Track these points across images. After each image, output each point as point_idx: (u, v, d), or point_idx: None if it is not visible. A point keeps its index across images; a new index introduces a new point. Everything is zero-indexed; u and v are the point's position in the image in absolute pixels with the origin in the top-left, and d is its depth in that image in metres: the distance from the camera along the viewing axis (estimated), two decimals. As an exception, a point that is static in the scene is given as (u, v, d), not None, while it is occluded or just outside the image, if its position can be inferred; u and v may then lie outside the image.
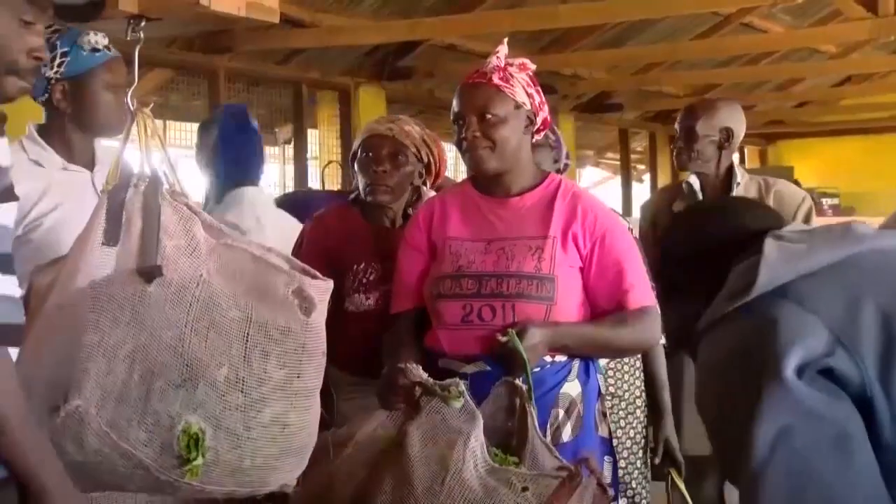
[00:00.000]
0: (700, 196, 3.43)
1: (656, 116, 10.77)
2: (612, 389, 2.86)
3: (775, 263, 1.60)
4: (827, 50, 9.33)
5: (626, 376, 2.90)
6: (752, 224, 1.73)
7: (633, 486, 2.91)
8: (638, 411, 2.92)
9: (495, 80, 2.45)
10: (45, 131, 2.57)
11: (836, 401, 1.47)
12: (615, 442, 2.71)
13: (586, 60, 7.80)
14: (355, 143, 2.97)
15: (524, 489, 2.10)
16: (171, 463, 1.82)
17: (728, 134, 3.41)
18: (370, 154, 2.85)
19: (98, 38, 2.54)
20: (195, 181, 3.50)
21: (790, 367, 1.47)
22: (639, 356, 3.01)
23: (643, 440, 2.98)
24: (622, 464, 2.85)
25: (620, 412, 2.87)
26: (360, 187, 2.90)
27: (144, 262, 1.87)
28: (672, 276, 1.83)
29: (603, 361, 2.84)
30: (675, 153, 3.50)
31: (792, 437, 1.44)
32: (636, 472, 2.91)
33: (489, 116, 2.43)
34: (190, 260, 1.89)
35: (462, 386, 2.26)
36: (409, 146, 2.86)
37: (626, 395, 2.88)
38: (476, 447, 2.17)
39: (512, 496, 2.09)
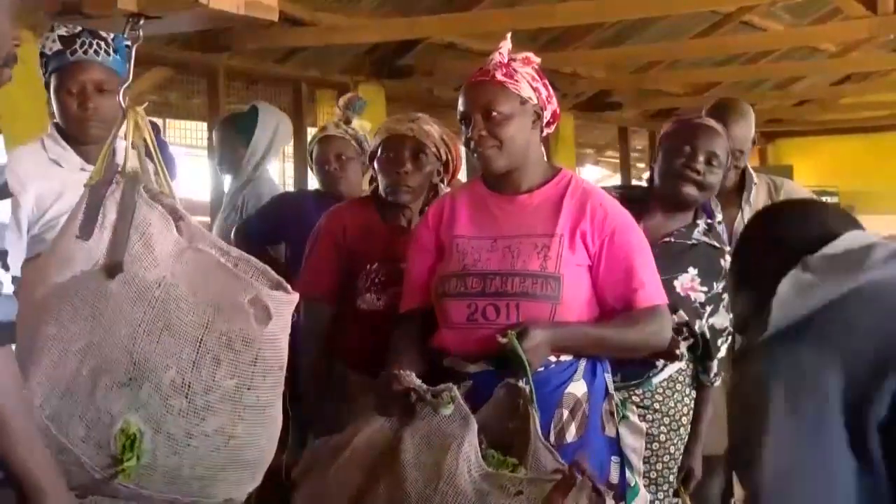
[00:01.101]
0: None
1: (656, 115, 10.73)
2: (657, 406, 2.79)
3: (786, 301, 1.63)
4: (827, 48, 9.31)
5: (677, 394, 2.81)
6: (830, 227, 1.74)
7: (661, 496, 2.83)
8: (682, 429, 2.83)
9: (498, 76, 2.42)
10: (63, 131, 2.53)
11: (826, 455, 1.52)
12: (649, 453, 2.66)
13: (586, 59, 7.79)
14: (374, 143, 2.98)
15: (518, 493, 2.09)
16: (106, 462, 1.81)
17: (755, 136, 3.35)
18: (391, 154, 2.85)
19: (52, 44, 2.41)
20: (196, 179, 3.50)
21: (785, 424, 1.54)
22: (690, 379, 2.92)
23: (680, 459, 2.90)
24: (653, 474, 2.77)
25: (662, 427, 2.77)
26: (381, 187, 2.90)
27: (111, 258, 1.86)
28: (744, 267, 1.84)
29: (655, 381, 2.77)
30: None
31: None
32: (667, 485, 2.83)
33: (494, 114, 2.40)
34: (156, 260, 1.87)
35: (455, 391, 2.24)
36: (430, 145, 2.87)
37: (672, 411, 2.80)
38: (469, 452, 2.16)
39: (505, 500, 2.08)
